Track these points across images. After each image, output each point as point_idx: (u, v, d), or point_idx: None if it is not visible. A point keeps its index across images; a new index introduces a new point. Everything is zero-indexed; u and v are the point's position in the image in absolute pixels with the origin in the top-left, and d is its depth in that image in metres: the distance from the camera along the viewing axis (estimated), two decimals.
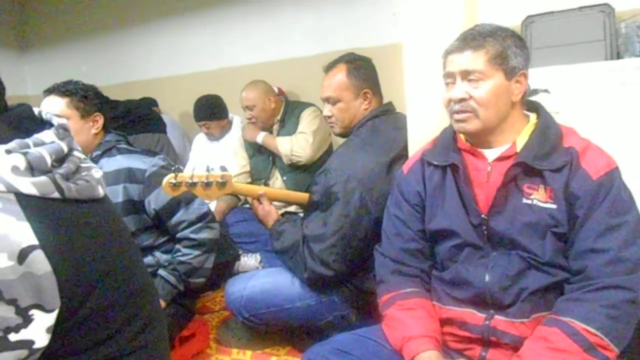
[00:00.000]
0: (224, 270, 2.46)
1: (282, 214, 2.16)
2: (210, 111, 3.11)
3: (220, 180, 1.56)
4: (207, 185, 1.55)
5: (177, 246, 1.79)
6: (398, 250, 1.35)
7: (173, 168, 1.55)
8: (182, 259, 1.77)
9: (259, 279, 1.77)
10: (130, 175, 1.75)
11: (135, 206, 1.77)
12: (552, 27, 3.51)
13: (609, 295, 1.05)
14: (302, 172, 2.75)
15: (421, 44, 1.53)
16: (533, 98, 2.48)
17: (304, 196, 1.78)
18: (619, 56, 3.18)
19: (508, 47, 1.19)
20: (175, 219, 1.77)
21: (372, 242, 1.47)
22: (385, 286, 1.34)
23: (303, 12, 4.36)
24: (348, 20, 3.90)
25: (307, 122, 2.74)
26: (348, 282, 1.65)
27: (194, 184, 1.53)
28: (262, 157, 2.88)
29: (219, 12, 4.56)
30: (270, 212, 1.74)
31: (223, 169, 1.58)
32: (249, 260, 2.60)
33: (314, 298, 1.68)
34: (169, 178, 1.52)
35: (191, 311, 1.91)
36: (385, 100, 1.82)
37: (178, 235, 1.78)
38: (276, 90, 3.43)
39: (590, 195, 1.12)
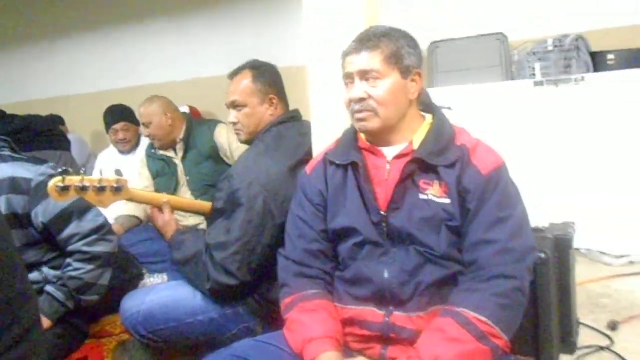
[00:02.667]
0: (127, 290, 2.30)
1: None
2: (129, 113, 2.96)
3: (115, 185, 1.46)
4: (100, 190, 1.44)
5: (68, 260, 1.65)
6: (301, 252, 1.32)
7: (60, 170, 1.43)
8: (73, 274, 1.63)
9: (158, 292, 1.66)
10: (13, 186, 1.60)
11: (20, 220, 1.61)
12: (455, 52, 3.75)
13: (498, 284, 1.09)
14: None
15: (324, 61, 1.55)
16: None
17: (210, 206, 1.72)
18: (513, 79, 3.46)
19: (402, 47, 1.23)
20: (67, 232, 1.63)
21: (277, 249, 1.43)
22: (287, 289, 1.31)
23: (217, 32, 4.34)
24: (262, 40, 3.93)
25: (226, 131, 2.69)
26: (253, 292, 1.59)
27: (84, 188, 1.42)
28: (166, 178, 2.75)
29: (131, 29, 4.42)
30: (170, 222, 1.66)
31: (118, 173, 1.48)
32: (154, 281, 2.45)
33: (218, 311, 1.60)
34: (56, 181, 1.39)
35: (83, 332, 1.75)
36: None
37: (69, 248, 1.64)
38: (186, 109, 3.33)
39: (481, 190, 1.16)
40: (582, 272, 2.49)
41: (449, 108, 2.77)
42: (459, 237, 1.18)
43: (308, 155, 1.62)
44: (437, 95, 3.00)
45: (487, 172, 1.17)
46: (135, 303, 1.63)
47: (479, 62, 3.61)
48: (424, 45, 3.84)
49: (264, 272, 1.55)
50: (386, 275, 1.19)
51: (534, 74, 3.19)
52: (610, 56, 3.17)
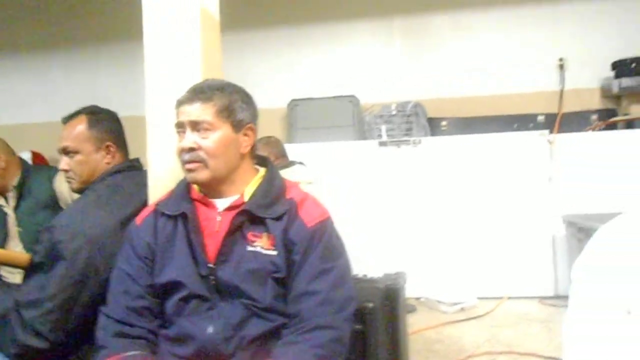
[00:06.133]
0: None
1: None
2: None
3: None
4: None
5: None
6: (124, 310, 1.23)
7: None
8: None
9: None
10: None
11: None
12: (312, 111, 3.95)
13: (317, 335, 1.11)
14: None
15: (162, 110, 1.53)
16: (289, 169, 2.70)
17: (28, 257, 1.54)
18: (365, 138, 3.73)
19: (235, 101, 1.26)
20: None
21: (100, 307, 1.32)
22: (105, 352, 1.20)
23: (74, 75, 4.13)
24: (116, 86, 3.81)
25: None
26: (69, 357, 1.43)
27: None
28: None
29: None
30: None
31: None
32: None
33: None
34: None
35: None
36: None
37: None
38: (28, 154, 3.04)
39: (306, 242, 1.19)
40: (420, 320, 2.68)
41: (301, 163, 2.88)
42: (285, 288, 1.19)
43: (143, 207, 1.54)
44: (296, 150, 3.15)
45: (312, 225, 1.22)
46: None
47: (334, 121, 3.84)
48: (284, 103, 4.01)
49: (83, 334, 1.40)
50: (210, 330, 1.15)
51: (380, 135, 3.47)
52: (444, 122, 3.58)
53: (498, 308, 2.85)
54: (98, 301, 1.36)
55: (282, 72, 4.15)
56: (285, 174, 2.61)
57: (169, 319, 1.23)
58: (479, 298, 2.93)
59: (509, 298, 2.98)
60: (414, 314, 2.81)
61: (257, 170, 1.35)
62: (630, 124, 3.44)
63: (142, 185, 1.61)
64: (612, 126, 3.44)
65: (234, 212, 1.22)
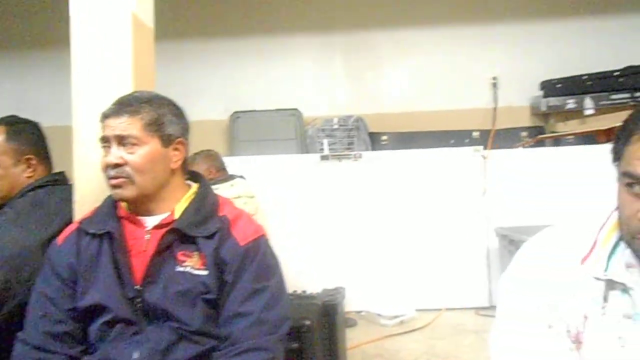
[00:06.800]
0: None
1: None
2: None
3: None
4: None
5: None
6: (42, 335, 1.15)
7: None
8: None
9: None
10: None
11: None
12: (254, 123, 3.92)
13: (249, 357, 1.08)
14: None
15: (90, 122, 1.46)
16: (229, 183, 2.65)
17: None
18: (308, 152, 3.73)
19: (164, 115, 1.21)
20: None
21: (16, 334, 1.22)
22: None
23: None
24: (49, 94, 3.65)
25: None
26: None
27: None
28: None
29: None
30: None
31: None
32: None
33: None
34: None
35: None
36: None
37: None
38: None
39: (238, 261, 1.16)
40: (360, 334, 2.68)
41: (242, 177, 2.84)
42: (216, 310, 1.15)
43: (68, 225, 1.46)
44: (237, 163, 3.10)
45: (245, 243, 1.18)
46: None
47: (276, 134, 3.83)
48: (226, 115, 3.95)
49: None
50: (136, 356, 1.10)
51: (322, 149, 3.48)
52: (384, 137, 3.65)
53: (436, 320, 2.90)
54: (14, 327, 1.26)
55: (224, 83, 4.10)
56: (225, 187, 2.59)
57: (92, 345, 1.16)
58: (418, 310, 2.97)
59: (447, 309, 3.05)
60: (355, 328, 2.82)
61: (189, 187, 1.31)
62: (557, 141, 3.64)
63: (67, 201, 1.52)
64: (541, 143, 3.62)
65: (163, 231, 1.17)
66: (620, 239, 0.86)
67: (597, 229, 0.91)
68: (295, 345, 1.53)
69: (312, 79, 4.08)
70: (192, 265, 1.16)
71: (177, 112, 1.26)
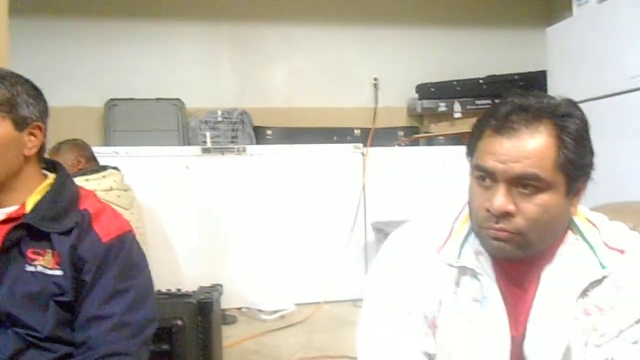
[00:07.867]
0: None
1: None
2: None
3: None
4: None
5: None
6: None
7: None
8: None
9: None
10: None
11: None
12: (133, 112, 3.69)
13: None
14: None
15: None
16: (101, 174, 2.46)
17: None
18: (189, 144, 3.60)
19: (18, 95, 1.07)
20: None
21: None
22: None
23: None
24: None
25: None
26: None
27: None
28: None
29: None
30: None
31: None
32: None
33: None
34: None
35: None
36: None
37: None
38: None
39: (99, 259, 1.06)
40: (240, 331, 2.65)
41: (116, 168, 2.65)
42: (71, 314, 1.05)
43: None
44: (112, 154, 2.89)
45: (109, 239, 1.09)
46: None
47: (157, 125, 3.64)
48: (101, 102, 3.67)
49: None
50: None
51: (205, 141, 3.38)
52: (269, 131, 3.64)
53: (315, 314, 2.96)
54: None
55: (100, 67, 3.78)
56: (96, 179, 2.40)
57: None
58: (298, 305, 3.01)
59: (326, 302, 3.12)
60: (235, 325, 2.77)
61: (46, 177, 1.18)
62: (430, 141, 3.90)
63: None
64: (416, 142, 3.86)
65: (9, 226, 1.04)
66: (472, 228, 0.93)
67: (453, 220, 0.97)
68: (165, 346, 1.46)
69: (196, 70, 3.92)
70: (43, 264, 1.04)
71: (34, 93, 1.12)
